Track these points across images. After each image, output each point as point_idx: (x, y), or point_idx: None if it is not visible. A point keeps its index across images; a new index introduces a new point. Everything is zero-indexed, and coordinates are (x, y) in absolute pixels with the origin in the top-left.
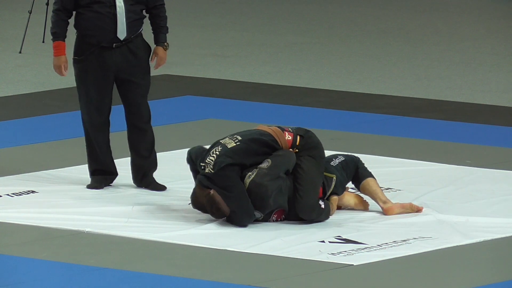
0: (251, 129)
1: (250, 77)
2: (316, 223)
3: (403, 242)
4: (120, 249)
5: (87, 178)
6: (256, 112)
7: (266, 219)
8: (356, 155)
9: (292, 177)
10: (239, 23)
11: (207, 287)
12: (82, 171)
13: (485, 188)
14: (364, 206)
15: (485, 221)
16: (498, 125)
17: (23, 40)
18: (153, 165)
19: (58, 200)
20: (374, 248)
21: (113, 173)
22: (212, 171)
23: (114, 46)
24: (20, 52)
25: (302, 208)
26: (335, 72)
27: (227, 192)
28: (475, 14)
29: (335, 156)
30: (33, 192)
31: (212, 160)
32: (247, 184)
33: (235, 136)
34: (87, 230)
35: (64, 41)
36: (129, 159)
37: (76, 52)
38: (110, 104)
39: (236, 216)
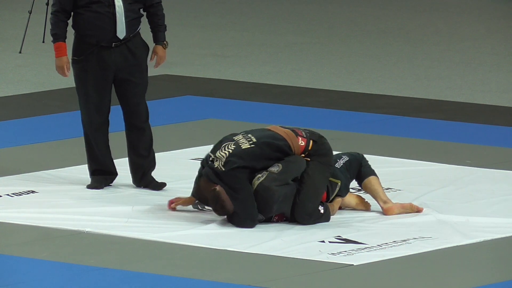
0: (264, 128)
1: (250, 77)
2: (317, 223)
3: (403, 242)
4: (120, 249)
5: (87, 178)
6: (256, 112)
7: (267, 220)
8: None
9: (298, 181)
10: (239, 23)
11: (207, 287)
12: (82, 171)
13: (485, 188)
14: (366, 207)
15: (485, 221)
16: (498, 125)
17: (23, 40)
18: (152, 164)
19: (58, 200)
20: (374, 248)
21: (113, 173)
22: (223, 169)
23: (113, 45)
24: (20, 52)
25: (300, 213)
26: (335, 72)
27: (235, 193)
28: (475, 14)
29: (340, 157)
30: (33, 192)
31: (223, 156)
32: (255, 185)
33: (249, 136)
34: (87, 230)
35: (65, 41)
36: (127, 159)
37: (75, 53)
38: (109, 104)
39: (239, 218)
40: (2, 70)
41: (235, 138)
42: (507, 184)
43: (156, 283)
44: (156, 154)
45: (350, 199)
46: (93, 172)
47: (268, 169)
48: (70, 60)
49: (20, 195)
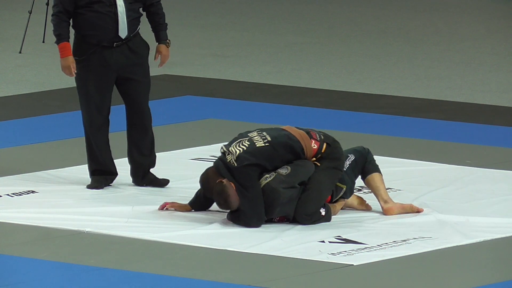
0: (279, 128)
1: (250, 77)
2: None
3: (403, 242)
4: (120, 249)
5: (87, 178)
6: (256, 112)
7: (267, 220)
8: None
9: (304, 186)
10: (239, 23)
11: (207, 287)
12: (82, 171)
13: (485, 188)
14: (367, 208)
15: (485, 221)
16: (498, 125)
17: (23, 40)
18: (153, 164)
19: (58, 200)
20: (374, 248)
21: (113, 173)
22: (235, 164)
23: (114, 45)
24: (20, 52)
25: (300, 213)
26: (335, 72)
27: (245, 191)
28: (475, 14)
29: (346, 156)
30: (33, 192)
31: (236, 151)
32: (262, 185)
33: (263, 134)
34: (87, 230)
35: (69, 41)
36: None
37: (76, 53)
38: (110, 104)
39: (245, 216)
40: (2, 70)
41: (250, 134)
42: (507, 184)
43: (156, 283)
44: (156, 154)
45: (352, 199)
46: (93, 172)
47: (276, 171)
48: None
49: (20, 195)
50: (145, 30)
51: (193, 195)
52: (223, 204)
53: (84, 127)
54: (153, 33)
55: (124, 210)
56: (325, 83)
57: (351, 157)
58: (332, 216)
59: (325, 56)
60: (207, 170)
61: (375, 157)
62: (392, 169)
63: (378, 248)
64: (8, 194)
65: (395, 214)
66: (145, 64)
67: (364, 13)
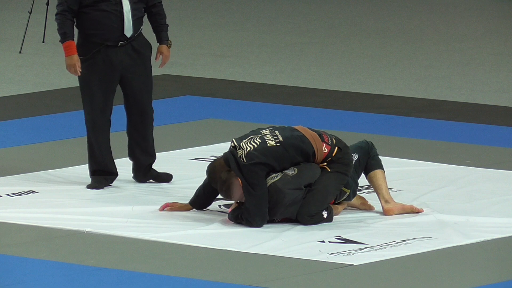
0: (292, 128)
1: (250, 77)
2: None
3: (403, 242)
4: (120, 249)
5: (87, 178)
6: (256, 112)
7: (269, 221)
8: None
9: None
10: (239, 23)
11: (207, 287)
12: (82, 171)
13: (485, 188)
14: (369, 207)
15: (485, 221)
16: (498, 125)
17: (23, 40)
18: (154, 160)
19: (58, 200)
20: (374, 248)
21: (113, 174)
22: (244, 162)
23: (119, 44)
24: (20, 52)
25: (302, 213)
26: (335, 72)
27: (251, 189)
28: (475, 14)
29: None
30: (33, 192)
31: (247, 147)
32: (268, 184)
33: (276, 133)
34: (87, 230)
35: (73, 40)
36: (127, 159)
37: (80, 52)
38: (112, 104)
39: (249, 214)
40: (2, 70)
41: (262, 132)
42: (507, 184)
43: (156, 283)
44: (156, 154)
45: (354, 199)
46: (93, 172)
47: (283, 171)
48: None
49: (20, 195)
50: (145, 30)
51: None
52: (225, 192)
53: (86, 127)
54: (152, 34)
55: (124, 210)
56: (325, 83)
57: (355, 157)
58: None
59: (325, 56)
60: (215, 161)
61: None
62: (392, 169)
63: (378, 248)
64: (8, 194)
65: (395, 215)
66: (148, 64)
67: (364, 13)
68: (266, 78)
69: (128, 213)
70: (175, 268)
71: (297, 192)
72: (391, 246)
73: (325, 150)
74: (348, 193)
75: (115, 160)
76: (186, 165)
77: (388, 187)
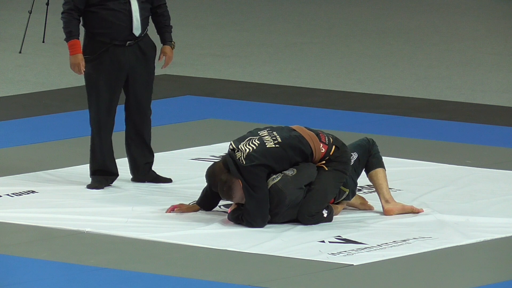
0: (290, 128)
1: (250, 77)
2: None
3: (403, 242)
4: (120, 249)
5: (87, 178)
6: (256, 112)
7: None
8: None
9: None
10: (239, 23)
11: (207, 287)
12: (82, 171)
13: (485, 188)
14: (369, 207)
15: (485, 221)
16: (498, 125)
17: (23, 40)
18: (152, 159)
19: (58, 200)
20: (374, 248)
21: (114, 174)
22: (244, 163)
23: (127, 44)
24: (20, 52)
25: (302, 213)
26: (335, 72)
27: (252, 190)
28: (475, 14)
29: (350, 157)
30: (33, 192)
31: (246, 149)
32: (269, 186)
33: (274, 134)
34: (87, 230)
35: (79, 39)
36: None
37: (87, 51)
38: (117, 104)
39: (249, 216)
40: (2, 70)
41: (260, 133)
42: (507, 184)
43: (156, 283)
44: (156, 154)
45: (354, 199)
46: (94, 172)
47: (283, 172)
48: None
49: (20, 195)
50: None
51: (193, 195)
52: (226, 192)
53: (91, 127)
54: (153, 34)
55: (124, 210)
56: (325, 83)
57: (354, 156)
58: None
59: (325, 56)
60: (215, 164)
61: None
62: (392, 169)
63: (378, 248)
64: (8, 194)
65: (395, 215)
66: (152, 66)
67: (364, 13)
68: (266, 78)
69: (128, 213)
70: (175, 268)
71: (298, 191)
72: (391, 246)
73: (322, 149)
74: (347, 192)
75: (115, 160)
76: (186, 165)
77: (389, 187)
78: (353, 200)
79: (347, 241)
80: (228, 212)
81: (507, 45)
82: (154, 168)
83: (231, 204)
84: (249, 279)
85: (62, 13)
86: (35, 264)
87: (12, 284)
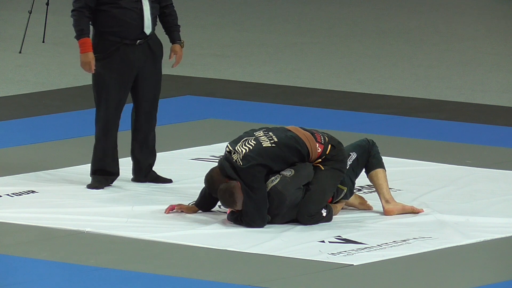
0: (285, 128)
1: (250, 77)
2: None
3: (403, 242)
4: (120, 249)
5: (87, 178)
6: (256, 112)
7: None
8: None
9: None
10: (239, 23)
11: (207, 287)
12: (82, 171)
13: (485, 188)
14: (368, 207)
15: (485, 221)
16: (498, 125)
17: (23, 40)
18: (154, 159)
19: (58, 200)
20: (374, 248)
21: (115, 174)
22: (241, 165)
23: (137, 42)
24: (20, 52)
25: (301, 213)
26: (335, 72)
27: (251, 192)
28: (475, 14)
29: (348, 155)
30: (33, 192)
31: (242, 150)
32: (269, 188)
33: (270, 134)
34: (87, 230)
35: (89, 37)
36: (128, 159)
37: (97, 50)
38: (125, 103)
39: (248, 217)
40: (2, 70)
41: (256, 134)
42: (507, 184)
43: (156, 283)
44: (156, 154)
45: (352, 198)
46: (94, 172)
47: (281, 173)
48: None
49: (20, 195)
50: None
51: (193, 195)
52: (228, 200)
53: (97, 125)
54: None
55: (124, 210)
56: (325, 83)
57: (353, 156)
58: (333, 216)
59: (325, 56)
60: (212, 171)
61: None
62: (392, 169)
63: (378, 248)
64: (8, 194)
65: (395, 215)
66: (159, 65)
67: (364, 13)
68: (266, 78)
69: (128, 213)
70: (175, 268)
71: (297, 192)
72: (391, 246)
73: (319, 149)
74: (345, 190)
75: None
76: (186, 165)
77: (389, 187)
78: (352, 200)
79: (347, 241)
80: (228, 212)
81: (507, 45)
82: (154, 168)
83: None
84: (249, 279)
85: (73, 10)
86: (35, 264)
87: (12, 284)
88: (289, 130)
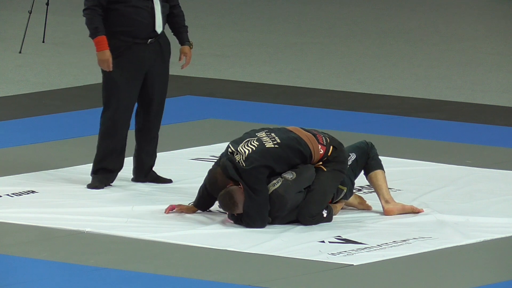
0: (287, 129)
1: (250, 77)
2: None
3: (403, 242)
4: (120, 249)
5: (87, 178)
6: (256, 112)
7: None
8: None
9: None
10: (239, 23)
11: (207, 287)
12: (82, 171)
13: (485, 188)
14: (367, 207)
15: (485, 221)
16: (498, 125)
17: (23, 40)
18: (155, 159)
19: (58, 200)
20: (374, 248)
21: (116, 170)
22: (244, 166)
23: (148, 42)
24: (20, 52)
25: (302, 214)
26: (335, 72)
27: (253, 194)
28: (475, 14)
29: (348, 155)
30: (33, 192)
31: (245, 151)
32: (270, 191)
33: (272, 135)
34: (87, 230)
35: (105, 35)
36: (129, 159)
37: (109, 49)
38: (135, 103)
39: (250, 218)
40: (2, 70)
41: (258, 134)
42: (507, 184)
43: (156, 283)
44: (156, 154)
45: (352, 198)
46: (96, 171)
47: (282, 175)
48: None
49: (20, 195)
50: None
51: (193, 195)
52: (228, 203)
53: (103, 125)
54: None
55: (124, 210)
56: (324, 83)
57: (352, 157)
58: (333, 216)
59: (325, 56)
60: (215, 172)
61: None
62: (392, 169)
63: (378, 248)
64: (8, 194)
65: (395, 215)
66: (168, 64)
67: (364, 13)
68: (266, 78)
69: (128, 213)
70: (175, 268)
71: (298, 195)
72: (391, 246)
73: (321, 151)
74: (345, 190)
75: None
76: (186, 165)
77: (389, 187)
78: (352, 200)
79: (347, 241)
80: (228, 212)
81: (507, 45)
82: (154, 168)
83: None
84: (249, 279)
85: (85, 9)
86: (35, 264)
87: (12, 284)
88: (291, 131)
